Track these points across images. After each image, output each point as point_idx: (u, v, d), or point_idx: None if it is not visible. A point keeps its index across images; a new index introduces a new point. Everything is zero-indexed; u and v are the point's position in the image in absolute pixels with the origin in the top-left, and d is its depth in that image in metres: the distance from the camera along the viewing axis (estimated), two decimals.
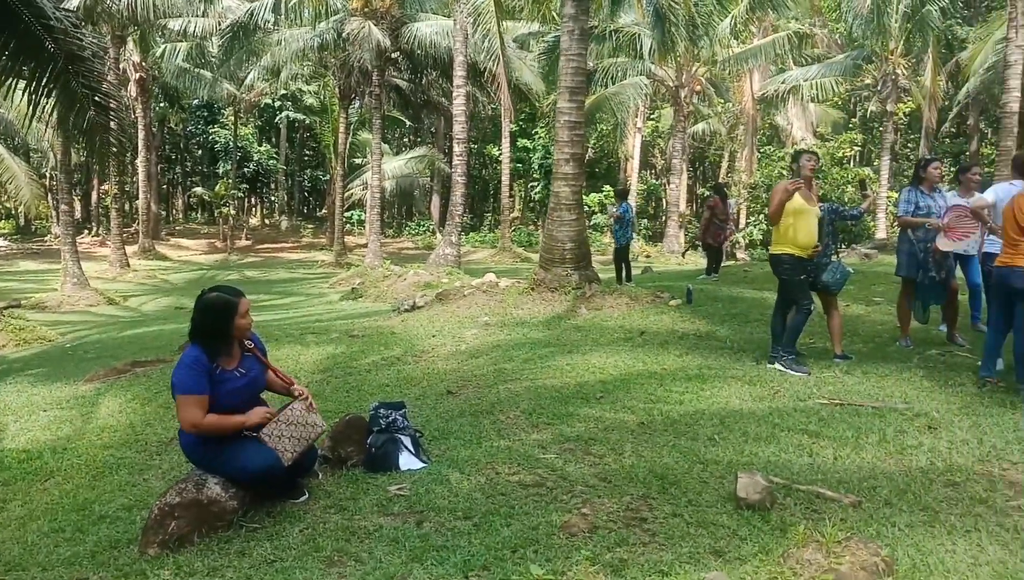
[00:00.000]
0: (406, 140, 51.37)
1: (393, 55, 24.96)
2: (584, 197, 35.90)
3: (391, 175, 36.68)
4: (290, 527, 3.61)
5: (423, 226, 42.95)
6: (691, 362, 6.74)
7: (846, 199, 22.81)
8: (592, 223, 35.16)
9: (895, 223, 7.40)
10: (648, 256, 26.73)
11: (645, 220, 37.67)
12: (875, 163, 27.67)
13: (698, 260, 22.18)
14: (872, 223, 24.04)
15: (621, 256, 13.42)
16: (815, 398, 5.44)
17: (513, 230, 34.75)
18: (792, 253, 6.35)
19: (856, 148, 31.82)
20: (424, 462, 4.41)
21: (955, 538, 3.14)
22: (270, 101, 41.80)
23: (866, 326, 8.29)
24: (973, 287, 7.74)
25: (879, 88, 25.21)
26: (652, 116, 37.09)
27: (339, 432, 4.54)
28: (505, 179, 29.90)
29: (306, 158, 51.91)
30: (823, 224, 6.64)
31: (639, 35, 21.06)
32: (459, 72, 19.12)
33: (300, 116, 43.54)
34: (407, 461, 4.38)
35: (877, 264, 14.73)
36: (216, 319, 3.76)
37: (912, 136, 34.10)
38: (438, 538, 3.37)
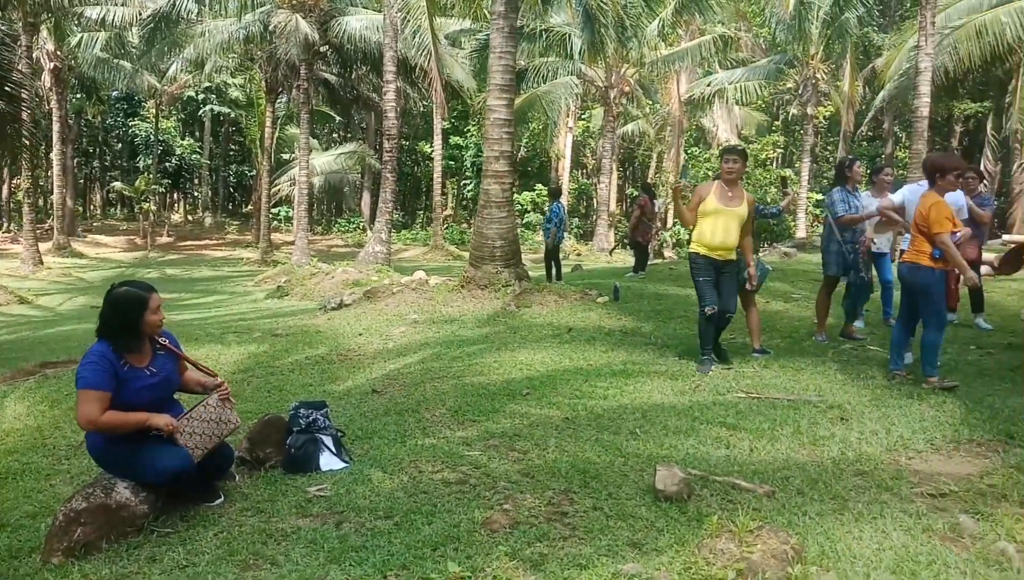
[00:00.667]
0: (336, 136, 50.60)
1: (322, 49, 24.55)
2: (516, 195, 36.19)
3: (320, 171, 36.10)
4: (204, 531, 3.50)
5: (353, 223, 42.39)
6: (616, 358, 6.83)
7: (768, 199, 23.50)
8: (524, 221, 35.34)
9: (837, 222, 7.37)
10: (579, 254, 26.99)
11: (576, 219, 38.05)
12: (796, 165, 28.62)
13: (626, 258, 22.51)
14: (793, 223, 24.81)
15: (552, 254, 13.51)
16: (734, 392, 5.58)
17: (446, 228, 34.62)
18: (701, 253, 6.34)
19: (779, 150, 32.88)
20: (346, 462, 4.34)
21: (862, 525, 3.25)
22: (193, 94, 40.60)
23: (784, 322, 8.55)
24: (885, 284, 8.05)
25: (800, 92, 26.06)
26: (583, 116, 37.46)
27: (257, 433, 4.42)
28: (437, 176, 29.77)
29: (231, 153, 50.58)
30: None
31: (569, 35, 21.24)
32: (389, 67, 18.91)
33: (225, 110, 42.40)
34: (328, 461, 4.30)
35: (796, 262, 15.22)
36: (125, 314, 3.62)
37: (831, 139, 35.34)
38: (357, 538, 3.32)
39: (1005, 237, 18.56)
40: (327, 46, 24.54)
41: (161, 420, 3.59)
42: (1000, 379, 5.87)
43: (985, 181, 25.51)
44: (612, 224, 31.73)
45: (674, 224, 28.07)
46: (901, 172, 21.11)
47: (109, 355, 3.55)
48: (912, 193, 6.48)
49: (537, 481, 3.82)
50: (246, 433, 4.46)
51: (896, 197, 6.74)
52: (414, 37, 21.77)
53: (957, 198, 6.23)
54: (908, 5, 32.02)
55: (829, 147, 36.14)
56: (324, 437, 4.40)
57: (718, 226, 6.23)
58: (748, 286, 6.58)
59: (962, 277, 6.11)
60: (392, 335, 8.41)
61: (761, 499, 3.53)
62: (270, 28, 22.65)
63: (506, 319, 9.01)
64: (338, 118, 42.31)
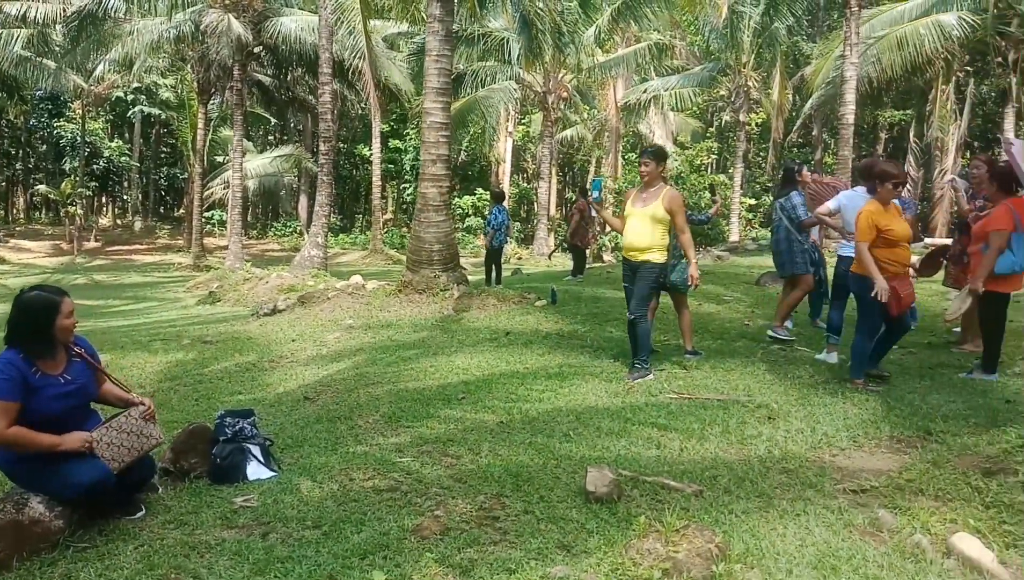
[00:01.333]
0: (272, 138, 49.65)
1: (256, 50, 24.07)
2: (457, 199, 36.11)
3: (255, 174, 35.38)
4: (124, 545, 3.37)
5: (290, 227, 41.66)
6: (552, 361, 6.85)
7: (703, 204, 23.95)
8: (465, 225, 35.26)
9: (801, 225, 7.47)
10: (520, 258, 27.06)
11: (517, 223, 38.14)
12: (730, 170, 29.26)
13: (566, 261, 22.66)
14: (726, 227, 25.35)
15: (493, 258, 13.50)
16: (666, 393, 5.66)
17: (385, 232, 34.27)
18: (622, 255, 6.44)
19: (713, 156, 33.52)
20: (274, 471, 4.25)
21: (786, 522, 3.32)
22: (122, 94, 39.26)
23: (716, 323, 8.70)
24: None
25: (733, 99, 26.67)
26: (523, 121, 37.61)
27: (181, 443, 4.29)
28: (376, 180, 29.46)
29: (163, 155, 49.14)
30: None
31: (508, 40, 21.32)
32: (325, 69, 18.65)
33: (156, 111, 41.15)
34: (255, 471, 4.20)
35: (729, 265, 15.55)
36: (36, 319, 3.46)
37: (763, 145, 36.25)
38: (284, 549, 3.24)
39: (927, 240, 19.35)
40: (261, 47, 24.08)
41: (74, 443, 3.43)
42: (920, 377, 6.08)
43: (908, 186, 26.51)
44: (552, 228, 31.90)
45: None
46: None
47: (18, 363, 3.39)
48: (849, 199, 6.63)
49: (469, 486, 3.79)
50: (170, 443, 4.32)
51: (832, 203, 6.89)
52: (351, 39, 21.55)
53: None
54: (835, 16, 33.11)
55: (761, 153, 37.06)
56: (251, 446, 4.30)
57: (629, 228, 6.21)
58: (690, 285, 6.46)
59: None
60: (326, 341, 8.28)
61: (689, 498, 3.58)
62: (201, 28, 22.09)
63: (444, 323, 8.97)
64: (273, 120, 41.55)
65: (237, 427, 4.36)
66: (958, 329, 7.46)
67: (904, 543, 3.13)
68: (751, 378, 6.06)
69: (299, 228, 39.27)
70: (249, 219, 44.73)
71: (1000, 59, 20.06)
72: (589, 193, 8.53)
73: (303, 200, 39.46)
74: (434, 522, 3.37)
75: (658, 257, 6.14)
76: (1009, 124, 19.99)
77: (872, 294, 5.36)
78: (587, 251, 15.54)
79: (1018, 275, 5.75)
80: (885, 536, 3.21)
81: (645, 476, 3.82)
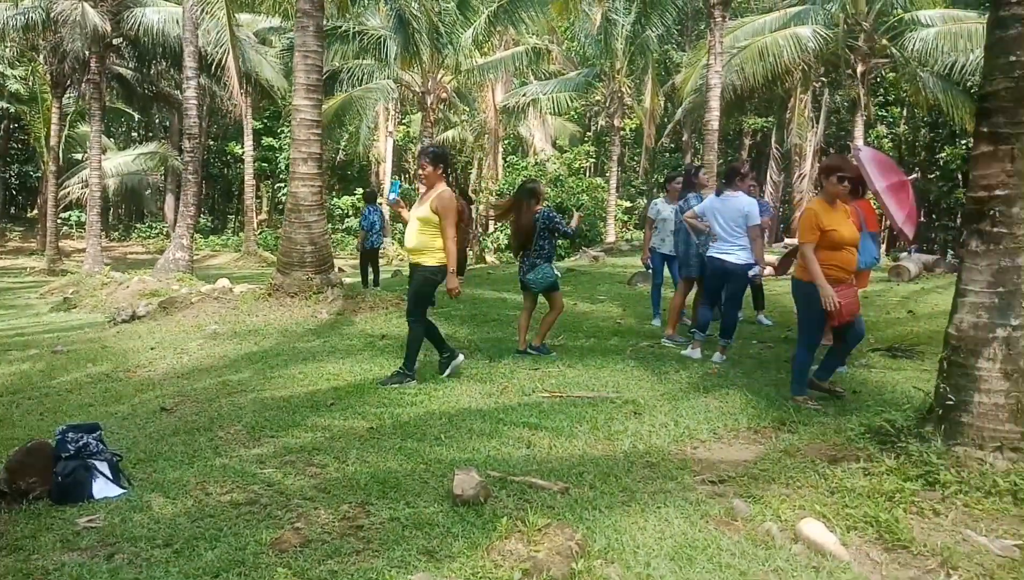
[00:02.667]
0: (135, 134, 46.96)
1: (115, 41, 22.63)
2: (336, 200, 35.30)
3: (116, 172, 33.35)
4: None
5: (155, 229, 39.50)
6: (427, 362, 6.77)
7: (581, 206, 24.46)
8: (344, 226, 34.54)
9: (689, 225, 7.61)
10: (402, 259, 26.77)
11: (399, 224, 37.69)
12: (606, 174, 30.03)
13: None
14: (603, 228, 26.00)
15: (368, 259, 13.24)
16: (539, 392, 5.70)
17: (259, 233, 33.05)
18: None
19: (591, 160, 34.35)
20: (123, 488, 3.97)
21: (647, 515, 3.39)
22: None
23: (590, 322, 8.88)
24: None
25: (607, 104, 27.38)
26: (404, 121, 37.24)
27: (17, 462, 3.94)
28: (248, 179, 28.38)
29: (13, 152, 45.45)
30: (536, 228, 6.92)
31: (385, 39, 21.01)
32: (190, 63, 17.78)
33: (4, 104, 38.03)
34: (103, 488, 3.92)
35: (604, 265, 15.95)
36: None
37: (637, 150, 37.44)
38: (130, 571, 3.03)
39: (787, 241, 20.53)
40: (121, 38, 22.66)
41: None
42: (777, 370, 6.41)
43: (769, 189, 27.99)
44: None
45: (495, 229, 28.52)
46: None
47: None
48: (711, 203, 6.86)
49: (333, 495, 3.67)
50: (4, 462, 3.97)
51: (697, 207, 7.13)
52: (218, 33, 20.64)
53: (749, 203, 6.70)
54: (702, 26, 34.62)
55: (636, 157, 38.25)
56: (98, 462, 4.01)
57: (407, 230, 6.09)
58: (452, 296, 6.19)
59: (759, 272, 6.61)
60: (188, 348, 7.87)
61: (556, 496, 3.60)
62: (53, 16, 20.57)
63: (316, 328, 8.71)
64: (137, 116, 39.25)
65: (81, 443, 4.06)
66: None
67: (756, 531, 3.26)
68: (621, 375, 6.21)
69: (165, 229, 37.28)
70: (111, 220, 42.16)
71: (850, 71, 21.51)
72: (388, 194, 8.35)
73: (169, 200, 37.48)
74: (294, 534, 3.24)
75: (429, 260, 5.92)
76: (859, 131, 21.47)
77: (820, 305, 4.95)
78: (469, 252, 15.54)
79: (862, 273, 6.14)
80: (739, 525, 3.34)
81: (513, 476, 3.82)
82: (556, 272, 7.04)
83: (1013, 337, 3.75)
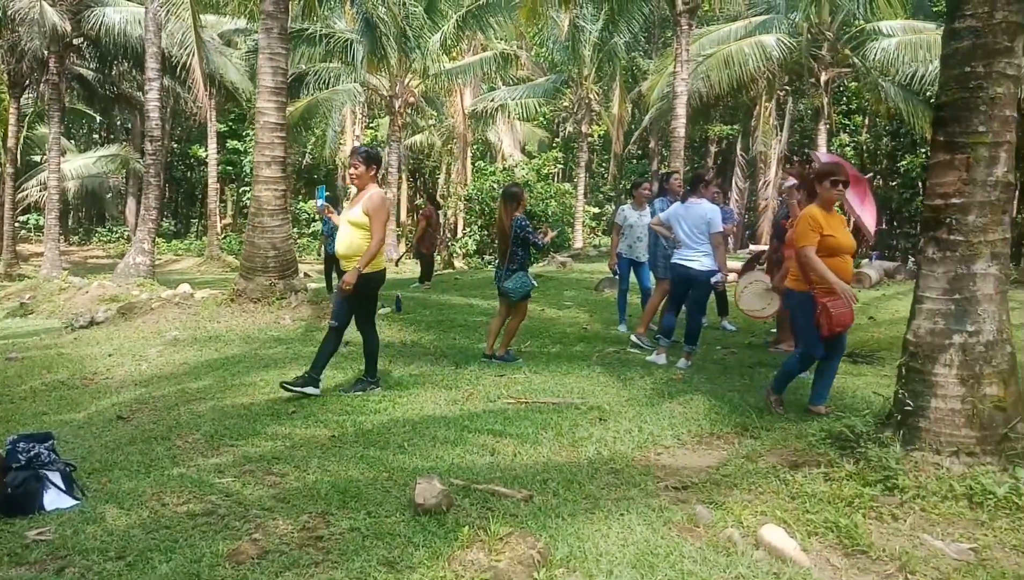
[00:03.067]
0: (97, 136, 46.09)
1: (75, 41, 22.19)
2: (302, 204, 34.95)
3: (77, 175, 32.64)
4: None
5: (116, 233, 38.78)
6: (393, 370, 6.72)
7: (549, 212, 24.50)
8: (311, 231, 34.23)
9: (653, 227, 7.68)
10: None
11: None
12: (575, 179, 30.13)
13: (414, 268, 22.49)
14: (571, 234, 26.08)
15: (332, 264, 13.11)
16: (504, 399, 5.67)
17: (223, 237, 32.61)
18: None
19: (559, 165, 34.44)
20: (77, 499, 3.87)
21: (610, 522, 3.38)
22: None
23: (557, 328, 8.89)
24: (645, 291, 8.62)
25: (575, 111, 27.50)
26: (371, 125, 37.03)
27: None
28: (212, 182, 27.99)
29: None
30: (510, 235, 6.91)
31: (352, 42, 20.89)
32: (152, 64, 17.48)
33: None
34: (54, 499, 3.82)
35: (572, 271, 15.99)
36: None
37: (605, 156, 37.64)
38: None
39: (752, 247, 20.76)
40: (82, 38, 22.23)
41: None
42: (741, 375, 6.46)
43: (735, 197, 28.30)
44: (402, 234, 31.59)
45: (464, 235, 28.46)
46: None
47: None
48: (675, 210, 6.90)
49: (293, 505, 3.61)
50: None
51: (662, 214, 7.19)
52: (182, 34, 20.35)
53: (712, 210, 6.75)
54: (669, 34, 34.94)
55: (603, 164, 38.45)
56: (50, 473, 3.90)
57: (338, 234, 5.87)
58: (342, 285, 5.86)
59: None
60: (147, 355, 7.71)
61: (519, 504, 3.57)
62: (10, 14, 20.11)
63: (278, 334, 8.60)
64: (98, 118, 38.54)
65: (32, 453, 3.96)
66: (775, 330, 8.00)
67: (718, 537, 3.27)
68: (586, 381, 6.21)
69: (127, 233, 36.63)
70: (71, 224, 41.31)
71: (814, 80, 21.86)
72: (315, 200, 8.23)
73: (131, 203, 36.82)
74: (252, 545, 3.17)
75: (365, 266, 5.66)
76: (822, 139, 21.82)
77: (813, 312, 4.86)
78: (436, 257, 15.48)
79: None
80: (701, 531, 3.34)
81: (477, 484, 3.79)
82: (534, 282, 7.05)
83: (969, 343, 3.81)
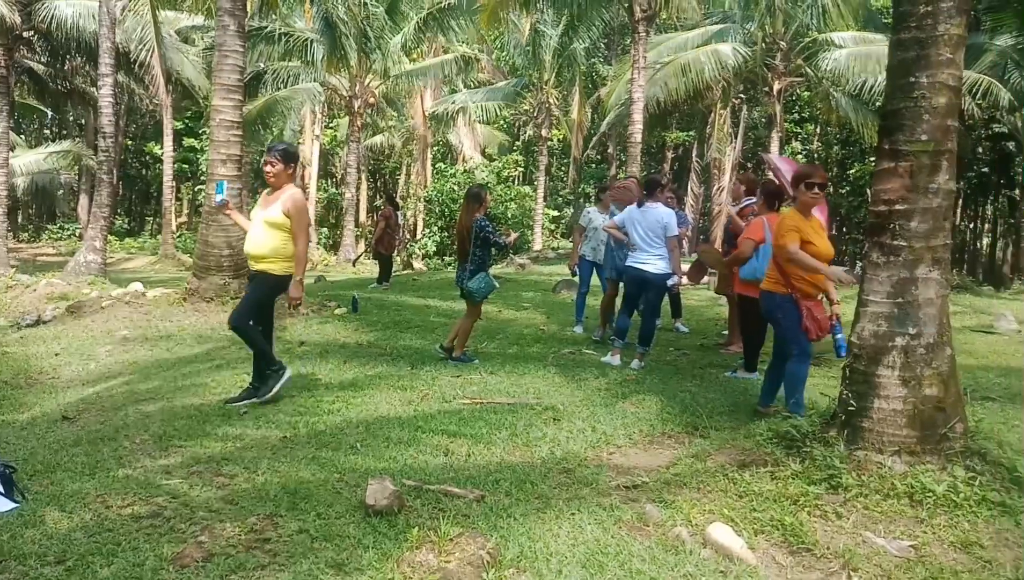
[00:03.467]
0: (48, 132, 44.93)
1: (25, 34, 21.60)
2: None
3: (26, 171, 31.82)
4: None
5: (67, 230, 37.84)
6: (347, 370, 6.67)
7: (509, 214, 24.57)
8: None
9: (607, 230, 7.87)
10: (327, 265, 26.33)
11: (324, 229, 37.11)
12: (535, 183, 30.24)
13: (374, 269, 22.34)
14: (531, 237, 26.18)
15: None
16: (460, 399, 5.67)
17: (178, 236, 32.00)
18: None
19: (519, 169, 34.53)
20: (16, 502, 3.75)
21: (561, 522, 3.40)
22: None
23: (514, 329, 8.90)
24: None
25: (536, 115, 27.62)
26: (331, 124, 36.70)
27: None
28: (167, 180, 27.44)
29: None
30: (473, 236, 6.91)
31: (311, 41, 20.69)
32: (106, 59, 17.08)
33: None
34: None
35: (530, 273, 16.04)
36: None
37: (565, 160, 37.86)
38: None
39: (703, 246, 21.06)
40: (32, 31, 21.64)
41: None
42: (693, 377, 6.55)
43: (690, 201, 28.66)
44: (362, 235, 31.34)
45: (423, 236, 28.35)
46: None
47: None
48: (631, 213, 6.95)
49: (241, 507, 3.56)
50: None
51: (617, 218, 7.23)
52: (138, 29, 19.95)
53: (668, 214, 6.83)
54: (627, 41, 35.33)
55: (563, 168, 38.67)
56: None
57: (249, 234, 5.59)
58: (291, 307, 5.80)
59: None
60: (96, 355, 7.54)
61: (471, 504, 3.57)
62: None
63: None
64: (50, 113, 37.56)
65: None
66: (726, 331, 8.13)
67: (667, 536, 3.31)
68: (542, 381, 6.23)
69: (78, 231, 35.75)
70: (20, 220, 40.21)
71: (767, 88, 22.28)
72: (213, 195, 8.11)
73: (83, 200, 35.98)
74: (197, 549, 3.12)
75: (277, 268, 5.47)
76: (775, 147, 22.23)
77: (807, 314, 4.85)
78: (396, 258, 15.41)
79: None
80: (651, 530, 3.38)
81: (429, 485, 3.78)
82: (495, 283, 7.06)
83: (911, 345, 3.91)
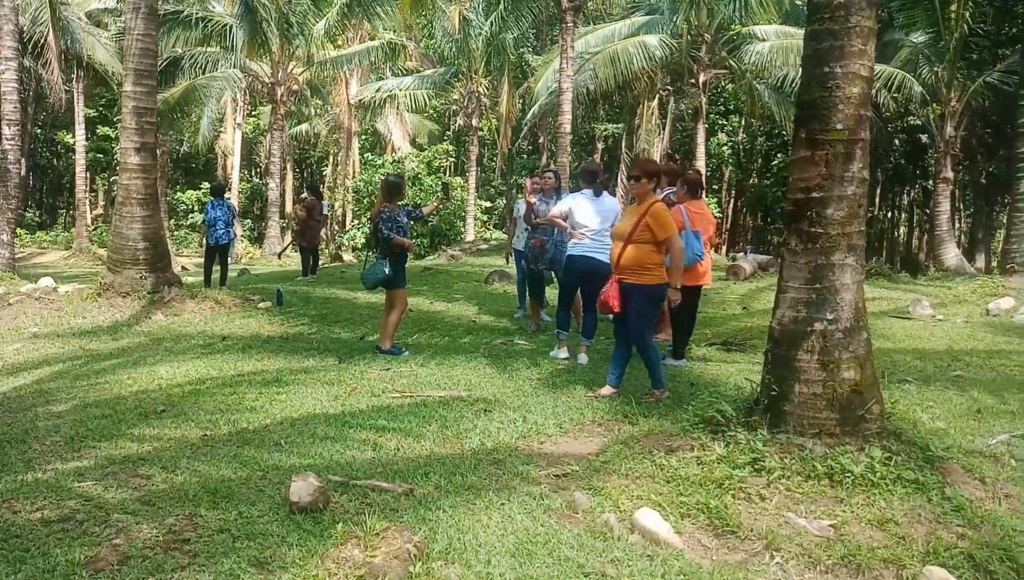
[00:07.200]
0: None
1: None
2: (180, 194, 33.38)
3: None
4: None
5: None
6: (271, 366, 6.51)
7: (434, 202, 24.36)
8: (189, 222, 32.79)
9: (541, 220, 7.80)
10: (252, 257, 25.67)
11: (249, 220, 36.19)
12: (466, 173, 30.10)
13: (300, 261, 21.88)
14: (463, 228, 26.07)
15: (212, 257, 12.55)
16: (389, 393, 5.59)
17: (93, 229, 30.74)
18: None
19: (450, 159, 34.33)
20: None
21: (491, 512, 3.38)
22: None
23: (445, 320, 8.85)
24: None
25: (465, 104, 27.46)
26: (254, 113, 35.74)
27: None
28: (80, 171, 26.29)
29: None
30: (375, 228, 6.85)
31: (231, 26, 20.03)
32: (8, 42, 16.16)
33: None
34: None
35: (462, 264, 15.96)
36: None
37: (496, 150, 37.82)
38: None
39: None
40: None
41: None
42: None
43: (620, 192, 29.02)
44: (287, 227, 30.68)
45: (352, 227, 27.90)
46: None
47: None
48: (588, 202, 6.77)
49: (158, 508, 3.42)
50: None
51: (563, 205, 7.01)
52: (45, 12, 18.97)
53: (616, 202, 6.86)
54: (555, 31, 35.44)
55: (495, 158, 38.62)
56: None
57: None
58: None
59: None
60: (3, 353, 7.15)
61: (399, 498, 3.52)
62: None
63: (149, 329, 8.16)
64: None
65: None
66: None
67: (596, 522, 3.33)
68: (473, 373, 6.20)
69: None
70: None
71: (693, 80, 22.65)
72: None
73: None
74: (112, 552, 2.98)
75: None
76: (700, 138, 22.65)
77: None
78: (324, 250, 15.10)
79: (694, 268, 6.40)
80: (580, 517, 3.39)
81: (356, 480, 3.71)
82: (387, 270, 6.83)
83: (829, 330, 4.02)
